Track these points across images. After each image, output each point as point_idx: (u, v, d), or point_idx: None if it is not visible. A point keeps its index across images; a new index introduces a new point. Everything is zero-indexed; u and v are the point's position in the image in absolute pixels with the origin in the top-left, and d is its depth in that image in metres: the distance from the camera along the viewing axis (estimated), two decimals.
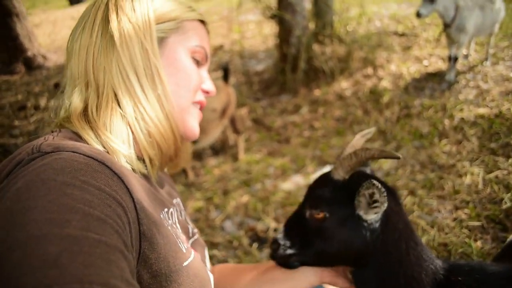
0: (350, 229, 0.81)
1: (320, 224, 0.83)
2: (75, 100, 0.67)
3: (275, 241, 0.88)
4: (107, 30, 0.68)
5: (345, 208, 0.81)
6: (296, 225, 0.89)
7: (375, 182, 0.74)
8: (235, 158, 3.34)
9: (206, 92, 0.84)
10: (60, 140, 0.56)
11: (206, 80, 0.83)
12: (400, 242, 0.82)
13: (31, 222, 0.40)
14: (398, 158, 0.73)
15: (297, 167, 3.10)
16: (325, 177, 0.87)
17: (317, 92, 4.46)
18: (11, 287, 0.35)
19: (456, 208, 2.31)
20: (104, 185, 0.50)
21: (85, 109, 0.67)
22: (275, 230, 2.36)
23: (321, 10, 4.98)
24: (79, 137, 0.62)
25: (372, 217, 0.80)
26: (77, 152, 0.52)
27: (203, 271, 0.72)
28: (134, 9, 0.69)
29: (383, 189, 0.74)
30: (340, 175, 0.83)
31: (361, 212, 0.80)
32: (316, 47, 4.77)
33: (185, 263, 0.64)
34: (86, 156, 0.52)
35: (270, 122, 3.97)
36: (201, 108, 0.85)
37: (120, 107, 0.67)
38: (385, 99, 4.03)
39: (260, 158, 3.30)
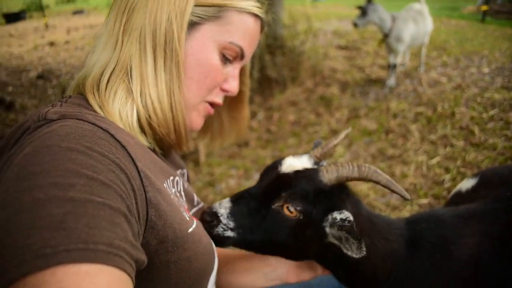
0: (311, 236, 0.76)
1: (285, 220, 0.75)
2: (97, 64, 0.65)
3: (214, 214, 0.77)
4: None
5: (317, 217, 0.74)
6: (248, 208, 0.79)
7: (354, 231, 0.68)
8: (196, 162, 3.40)
9: (225, 91, 0.76)
10: (66, 108, 0.56)
11: (230, 79, 0.75)
12: (365, 238, 0.77)
13: (36, 187, 0.41)
14: (407, 199, 0.70)
15: (258, 166, 3.22)
16: (312, 174, 0.77)
17: (271, 100, 4.66)
18: (19, 248, 0.36)
19: (406, 190, 2.55)
20: (108, 152, 0.49)
21: (101, 75, 0.65)
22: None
23: (272, 24, 5.25)
24: (88, 104, 0.61)
25: (335, 233, 0.73)
26: (82, 120, 0.52)
27: (205, 237, 0.72)
28: None
29: (361, 241, 0.68)
30: (330, 180, 0.75)
31: (327, 229, 0.74)
32: (268, 58, 5.01)
33: (189, 230, 0.64)
34: (90, 123, 0.52)
35: None
36: (214, 106, 0.78)
37: (129, 81, 0.64)
38: (335, 103, 4.32)
39: (221, 161, 3.39)
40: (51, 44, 8.59)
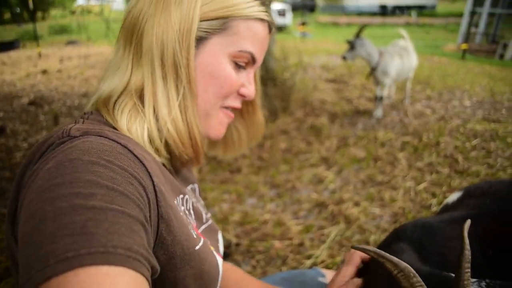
0: None
1: None
2: (107, 88, 0.66)
3: None
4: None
5: None
6: None
7: None
8: None
9: (242, 96, 0.76)
10: (88, 125, 0.59)
11: (246, 84, 0.75)
12: None
13: (59, 196, 0.43)
14: None
15: (250, 191, 3.27)
16: None
17: None
18: (43, 254, 0.39)
19: (395, 214, 2.63)
20: (127, 166, 0.51)
21: (110, 96, 0.66)
22: (237, 244, 2.47)
23: (264, 57, 5.46)
24: (107, 121, 0.64)
25: None
26: (103, 136, 0.54)
27: (211, 255, 0.72)
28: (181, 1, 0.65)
29: None
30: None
31: None
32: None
33: (196, 247, 0.65)
34: (111, 139, 0.54)
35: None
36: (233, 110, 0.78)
37: (138, 101, 0.65)
38: (324, 132, 4.45)
39: (214, 186, 3.43)
40: (44, 72, 8.67)
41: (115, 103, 0.65)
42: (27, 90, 7.01)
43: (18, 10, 24.11)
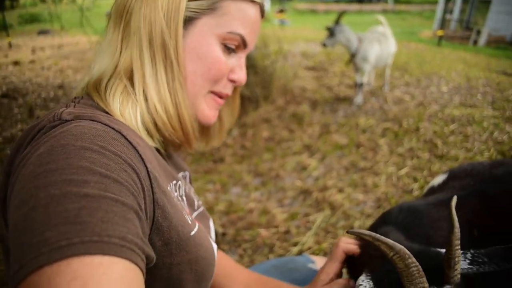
0: None
1: None
2: (97, 70, 0.66)
3: None
4: None
5: None
6: None
7: None
8: None
9: (233, 81, 0.74)
10: (80, 109, 0.57)
11: (237, 69, 0.73)
12: None
13: (52, 183, 0.42)
14: None
15: (235, 180, 3.27)
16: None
17: (245, 117, 4.75)
18: (36, 242, 0.38)
19: (378, 199, 2.68)
20: (120, 152, 0.50)
21: (101, 80, 0.65)
22: (223, 234, 2.47)
23: None
24: (98, 105, 0.62)
25: None
26: (95, 120, 0.53)
27: (207, 241, 0.72)
28: None
29: None
30: None
31: None
32: None
33: (192, 233, 0.65)
34: (104, 124, 0.53)
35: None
36: (223, 98, 0.76)
37: (129, 84, 0.64)
38: (306, 120, 4.46)
39: (198, 176, 3.41)
40: (16, 63, 8.34)
41: (106, 86, 0.63)
42: None
43: None
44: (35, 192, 0.42)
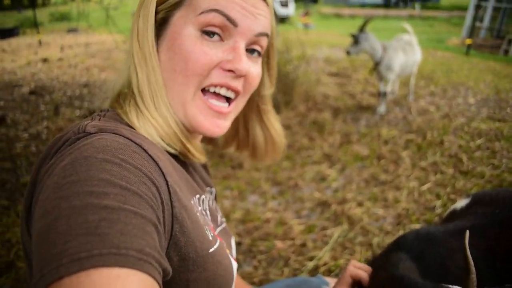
0: None
1: None
2: (116, 84, 0.68)
3: None
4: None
5: None
6: None
7: None
8: None
9: (230, 71, 0.64)
10: (104, 122, 0.58)
11: (232, 57, 0.63)
12: None
13: (73, 195, 0.43)
14: None
15: (252, 188, 3.25)
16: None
17: None
18: (57, 252, 0.39)
19: (399, 215, 2.61)
20: (141, 165, 0.51)
21: (118, 95, 0.68)
22: (239, 243, 2.45)
23: None
24: (122, 119, 0.64)
25: None
26: (118, 134, 0.54)
27: (226, 258, 0.71)
28: None
29: None
30: None
31: None
32: None
33: (211, 250, 0.64)
34: (125, 138, 0.54)
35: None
36: (236, 94, 0.69)
37: (135, 98, 0.65)
38: (327, 128, 4.41)
39: (215, 182, 3.41)
40: (44, 60, 8.60)
41: (124, 100, 0.66)
42: (28, 78, 6.95)
43: None
44: (58, 203, 0.43)
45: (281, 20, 16.45)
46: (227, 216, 2.80)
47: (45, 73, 7.41)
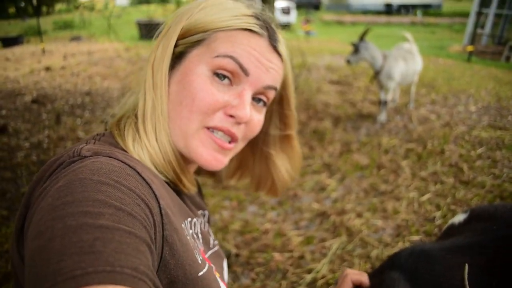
0: None
1: None
2: (120, 108, 0.71)
3: None
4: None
5: None
6: None
7: None
8: None
9: (230, 116, 0.66)
10: (99, 146, 0.60)
11: (236, 103, 0.65)
12: None
13: (68, 215, 0.44)
14: None
15: (252, 198, 3.24)
16: None
17: None
18: (51, 271, 0.39)
19: (398, 226, 2.59)
20: (135, 187, 0.52)
21: (121, 119, 0.69)
22: (237, 255, 2.44)
23: None
24: (117, 143, 0.65)
25: None
26: (112, 157, 0.56)
27: (215, 282, 0.71)
28: (176, 22, 0.67)
29: None
30: None
31: None
32: None
33: (200, 273, 0.64)
34: (120, 161, 0.56)
35: None
36: (233, 139, 0.69)
37: (136, 123, 0.67)
38: (327, 137, 4.40)
39: (215, 192, 3.40)
40: (47, 69, 8.66)
41: (125, 125, 0.67)
42: (30, 87, 7.00)
43: (22, 4, 24.12)
44: (52, 224, 0.43)
45: (283, 27, 16.42)
46: (226, 227, 2.79)
47: (48, 82, 7.46)
